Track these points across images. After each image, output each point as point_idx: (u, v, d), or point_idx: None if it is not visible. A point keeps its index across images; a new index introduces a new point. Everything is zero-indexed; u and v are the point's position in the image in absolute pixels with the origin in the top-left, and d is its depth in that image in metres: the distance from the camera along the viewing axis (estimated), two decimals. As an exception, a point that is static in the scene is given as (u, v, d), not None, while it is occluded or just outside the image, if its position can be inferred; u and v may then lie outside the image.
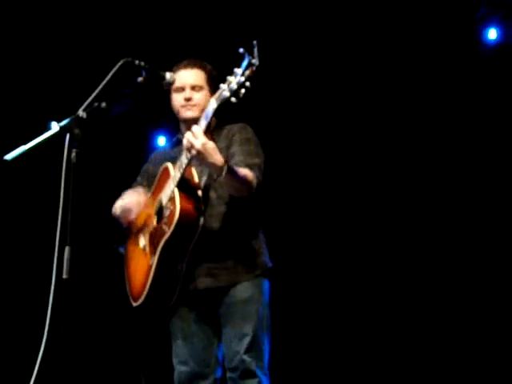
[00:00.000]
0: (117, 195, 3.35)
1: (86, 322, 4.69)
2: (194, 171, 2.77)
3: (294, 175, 4.85)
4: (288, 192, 4.84)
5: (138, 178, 3.09)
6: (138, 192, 2.92)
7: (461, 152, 4.63)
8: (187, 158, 2.65)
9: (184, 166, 2.68)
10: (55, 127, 2.41)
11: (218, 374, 2.83)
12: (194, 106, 2.86)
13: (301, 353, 4.66)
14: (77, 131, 2.37)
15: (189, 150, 2.57)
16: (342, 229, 4.81)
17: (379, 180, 4.77)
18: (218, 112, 2.59)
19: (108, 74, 2.53)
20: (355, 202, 4.82)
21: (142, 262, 2.83)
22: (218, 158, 2.58)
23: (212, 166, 2.59)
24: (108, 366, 4.92)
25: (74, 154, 2.34)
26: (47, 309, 2.31)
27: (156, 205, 2.83)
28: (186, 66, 2.92)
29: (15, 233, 4.92)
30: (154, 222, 2.82)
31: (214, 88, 2.79)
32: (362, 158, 4.82)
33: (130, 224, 2.94)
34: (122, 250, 4.21)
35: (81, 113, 2.42)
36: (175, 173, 2.74)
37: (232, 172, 2.62)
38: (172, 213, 2.68)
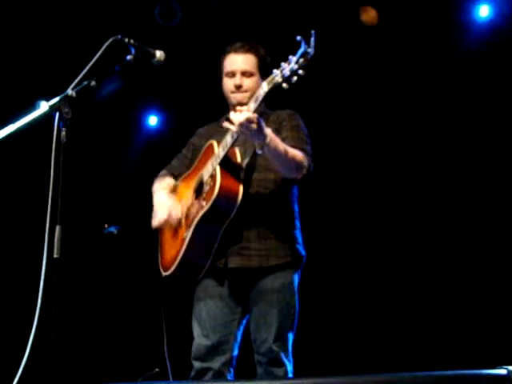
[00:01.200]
0: (108, 174, 3.33)
1: (77, 301, 4.70)
2: (237, 151, 2.79)
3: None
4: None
5: (183, 150, 3.10)
6: (168, 198, 2.91)
7: (461, 143, 4.62)
8: (233, 137, 2.67)
9: (229, 145, 2.70)
10: (44, 106, 2.39)
11: (235, 352, 2.87)
12: (245, 91, 2.85)
13: (320, 339, 4.67)
14: (66, 110, 2.36)
15: (240, 126, 2.54)
16: (356, 223, 4.81)
17: (386, 176, 4.77)
18: (266, 96, 2.58)
19: (97, 51, 2.51)
20: (364, 196, 4.83)
21: (176, 235, 2.86)
22: (263, 129, 2.56)
23: (258, 137, 2.58)
24: (100, 345, 4.94)
25: (63, 133, 2.33)
26: (39, 288, 2.31)
27: (197, 180, 2.86)
28: (237, 50, 2.91)
29: (5, 213, 4.91)
30: (193, 197, 2.84)
31: (264, 73, 2.78)
32: (371, 154, 4.81)
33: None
34: (112, 230, 4.21)
35: (70, 91, 2.41)
36: (219, 151, 2.75)
37: (279, 144, 2.62)
38: (211, 189, 2.70)
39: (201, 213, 2.72)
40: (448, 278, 4.57)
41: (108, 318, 4.97)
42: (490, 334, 4.34)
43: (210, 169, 2.77)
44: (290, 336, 2.82)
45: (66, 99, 2.38)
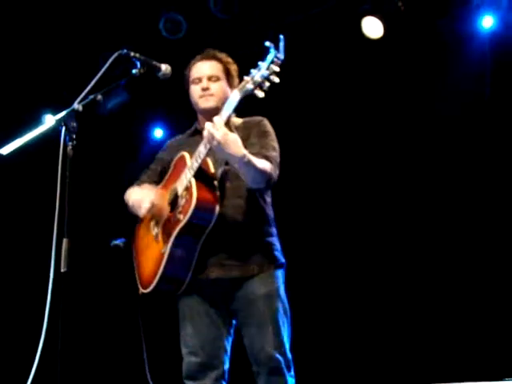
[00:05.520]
0: (113, 187, 3.35)
1: (84, 315, 4.70)
2: (209, 161, 2.76)
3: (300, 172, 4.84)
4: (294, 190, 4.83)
5: (152, 166, 3.07)
6: (145, 189, 2.90)
7: (461, 150, 4.64)
8: (206, 148, 2.66)
9: (202, 156, 2.69)
10: (51, 120, 2.41)
11: (226, 365, 2.84)
12: (212, 95, 2.86)
13: (316, 342, 4.69)
14: (73, 124, 2.38)
15: (209, 140, 2.58)
16: (348, 225, 4.83)
17: (383, 177, 4.79)
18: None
19: (103, 66, 2.53)
20: (359, 197, 4.85)
21: (153, 250, 2.83)
22: (238, 149, 2.59)
23: (232, 156, 2.60)
24: (106, 359, 4.95)
25: (70, 147, 2.35)
26: (46, 302, 2.31)
27: (171, 193, 2.82)
28: (202, 58, 2.95)
29: (13, 227, 4.93)
30: (168, 211, 2.81)
31: (231, 79, 2.89)
32: (367, 155, 4.84)
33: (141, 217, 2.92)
34: (118, 242, 4.20)
35: (76, 105, 2.42)
36: (192, 162, 2.73)
37: (250, 162, 2.62)
38: (188, 202, 2.67)
39: (178, 226, 2.69)
40: (453, 286, 4.55)
41: (116, 330, 4.97)
42: (497, 345, 4.32)
43: (185, 181, 2.74)
44: (286, 340, 2.77)
45: (73, 113, 2.40)
